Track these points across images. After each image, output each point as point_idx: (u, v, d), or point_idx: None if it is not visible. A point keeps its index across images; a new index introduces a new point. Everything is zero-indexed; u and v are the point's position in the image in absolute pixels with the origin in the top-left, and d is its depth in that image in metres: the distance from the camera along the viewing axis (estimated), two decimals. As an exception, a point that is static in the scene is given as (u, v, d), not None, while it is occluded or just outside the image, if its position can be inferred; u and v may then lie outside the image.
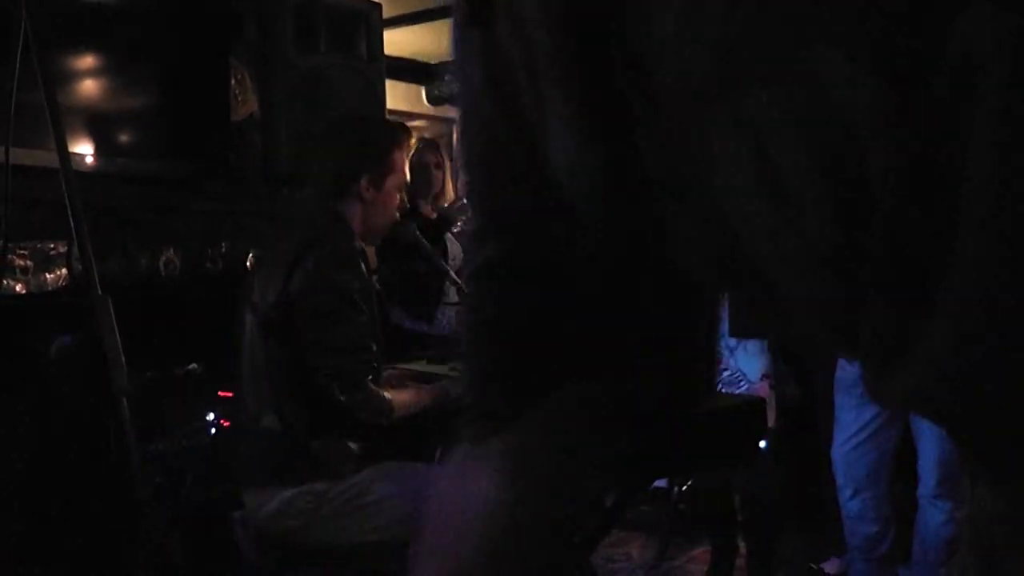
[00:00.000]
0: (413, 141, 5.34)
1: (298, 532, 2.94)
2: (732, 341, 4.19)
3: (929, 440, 3.78)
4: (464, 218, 5.40)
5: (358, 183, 3.10)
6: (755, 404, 3.15)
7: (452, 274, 4.52)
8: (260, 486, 2.99)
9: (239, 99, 4.52)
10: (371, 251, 4.54)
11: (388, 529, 2.94)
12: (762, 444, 3.16)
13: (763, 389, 4.15)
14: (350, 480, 2.94)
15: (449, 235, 5.26)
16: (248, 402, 3.05)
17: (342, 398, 2.88)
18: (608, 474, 1.01)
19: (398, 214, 3.32)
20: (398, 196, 3.25)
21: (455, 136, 6.01)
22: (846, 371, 3.97)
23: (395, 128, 3.48)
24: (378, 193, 3.13)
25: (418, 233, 4.29)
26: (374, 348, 3.01)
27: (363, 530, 2.93)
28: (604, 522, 3.38)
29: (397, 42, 6.66)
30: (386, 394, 3.02)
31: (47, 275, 3.77)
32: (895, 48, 0.54)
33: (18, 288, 3.67)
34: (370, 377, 2.97)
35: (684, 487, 5.01)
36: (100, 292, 2.12)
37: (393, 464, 3.05)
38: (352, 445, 2.99)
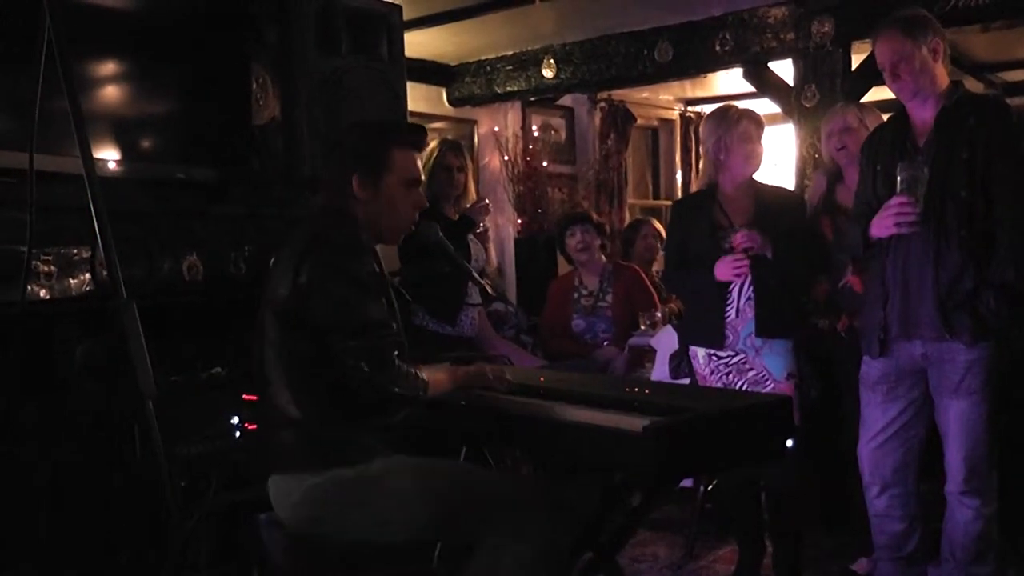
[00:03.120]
0: (434, 144, 5.38)
1: (322, 521, 2.95)
2: (758, 341, 4.17)
3: (956, 436, 3.75)
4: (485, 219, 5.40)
5: (350, 183, 3.12)
6: (782, 402, 3.16)
7: (475, 275, 4.51)
8: (284, 475, 3.01)
9: (261, 103, 4.53)
10: (393, 253, 4.57)
11: (406, 524, 2.94)
12: (789, 443, 3.14)
13: (788, 388, 4.14)
14: (373, 469, 2.94)
15: (471, 236, 5.25)
16: (272, 396, 3.05)
17: (373, 375, 2.88)
18: None
19: (415, 213, 3.31)
20: (407, 195, 3.23)
21: (475, 137, 6.01)
22: (871, 367, 3.95)
23: (393, 127, 3.48)
24: (375, 191, 3.14)
25: (441, 234, 4.28)
26: (395, 327, 3.02)
27: (384, 522, 2.94)
28: (630, 522, 3.38)
29: (418, 44, 6.68)
30: (420, 372, 3.02)
31: (71, 280, 3.78)
32: None
33: (42, 294, 3.69)
34: (396, 352, 2.97)
35: (710, 486, 5.00)
36: (125, 296, 2.12)
37: (413, 459, 3.05)
38: (366, 434, 2.99)
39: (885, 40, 3.77)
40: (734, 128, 4.28)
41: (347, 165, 3.15)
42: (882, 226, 3.74)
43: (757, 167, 4.33)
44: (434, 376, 3.09)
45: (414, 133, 3.38)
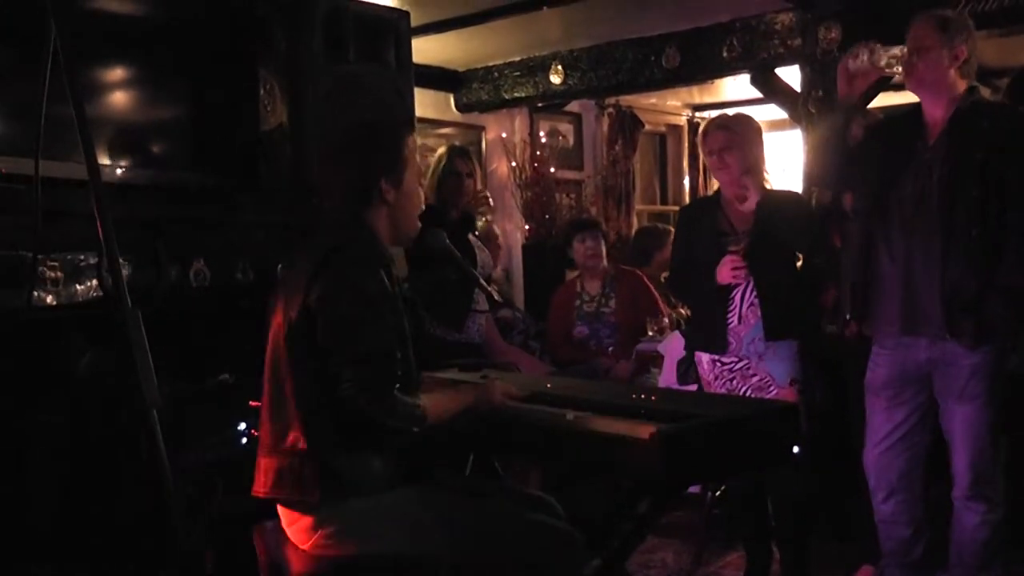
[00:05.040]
0: (442, 150, 5.38)
1: (325, 549, 2.92)
2: (761, 346, 4.17)
3: (961, 441, 3.75)
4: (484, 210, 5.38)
5: (379, 186, 3.07)
6: (789, 409, 3.16)
7: (482, 281, 4.51)
8: (285, 505, 2.97)
9: (269, 109, 4.53)
10: (401, 259, 4.56)
11: (419, 551, 2.92)
12: (795, 449, 3.13)
13: (791, 394, 4.13)
14: (387, 500, 2.90)
15: (478, 243, 5.24)
16: (271, 419, 3.00)
17: (366, 408, 2.79)
18: None
19: (423, 205, 3.30)
20: (419, 188, 3.25)
21: (483, 143, 6.03)
22: (876, 373, 3.95)
23: (398, 122, 3.46)
24: (399, 191, 3.10)
25: (447, 242, 4.28)
26: (399, 355, 2.91)
27: (388, 549, 2.91)
28: (638, 528, 3.37)
29: (425, 50, 6.67)
30: (419, 401, 2.94)
31: (77, 286, 3.78)
32: None
33: (49, 299, 3.69)
34: (397, 385, 2.86)
35: (718, 493, 5.00)
36: (130, 305, 2.12)
37: (427, 487, 3.02)
38: (378, 462, 2.94)
39: (916, 27, 3.79)
40: (702, 143, 4.43)
41: (372, 168, 3.06)
42: None
43: (734, 176, 4.28)
44: (437, 403, 3.02)
45: (411, 119, 3.38)
